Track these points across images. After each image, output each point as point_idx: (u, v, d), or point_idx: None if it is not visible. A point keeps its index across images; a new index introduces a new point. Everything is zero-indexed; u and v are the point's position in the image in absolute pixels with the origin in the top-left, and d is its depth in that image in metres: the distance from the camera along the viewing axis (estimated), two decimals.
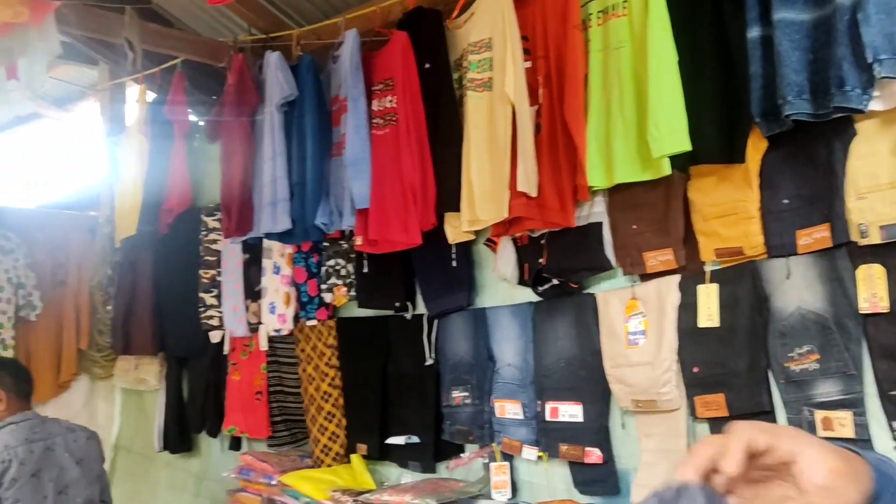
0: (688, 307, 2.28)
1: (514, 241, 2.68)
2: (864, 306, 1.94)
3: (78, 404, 4.35)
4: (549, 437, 2.58)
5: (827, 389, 2.01)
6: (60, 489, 2.66)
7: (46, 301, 4.18)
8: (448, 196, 2.61)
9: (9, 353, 3.93)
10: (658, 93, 2.09)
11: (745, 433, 0.58)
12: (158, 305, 4.02)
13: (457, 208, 2.58)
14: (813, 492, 0.56)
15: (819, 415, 2.01)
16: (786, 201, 2.10)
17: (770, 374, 2.13)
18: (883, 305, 1.91)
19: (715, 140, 2.15)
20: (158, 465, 4.30)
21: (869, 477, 0.59)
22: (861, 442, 1.95)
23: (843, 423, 1.98)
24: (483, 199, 2.49)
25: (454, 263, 2.87)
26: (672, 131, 2.09)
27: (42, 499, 2.60)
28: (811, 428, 2.02)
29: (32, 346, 4.19)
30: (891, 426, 1.93)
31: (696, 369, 2.25)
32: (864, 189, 1.95)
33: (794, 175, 2.08)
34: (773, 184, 2.12)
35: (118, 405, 4.35)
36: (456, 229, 2.71)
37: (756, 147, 2.13)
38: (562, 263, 2.53)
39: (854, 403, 1.97)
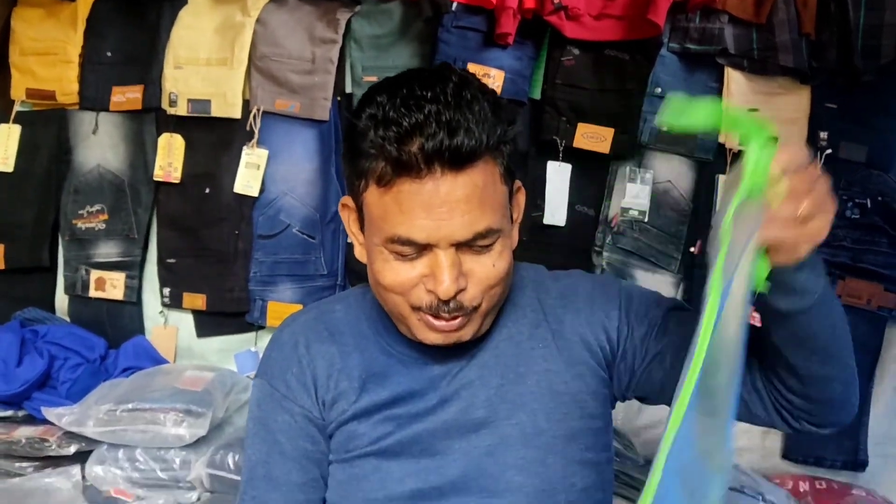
0: None
1: None
2: (159, 174, 1.96)
3: None
4: None
5: (108, 250, 1.99)
6: None
7: None
8: None
9: None
10: None
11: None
12: None
13: None
14: None
15: (94, 274, 1.98)
16: (109, 54, 1.99)
17: (58, 230, 2.02)
18: (176, 176, 1.95)
19: None
20: None
21: None
22: (130, 304, 1.99)
23: (116, 284, 1.97)
24: None
25: None
26: None
27: None
28: (84, 287, 1.98)
29: None
30: (161, 292, 1.99)
31: None
32: (182, 60, 1.95)
33: (123, 29, 1.98)
34: (99, 32, 1.98)
35: None
36: None
37: None
38: None
39: (130, 266, 1.98)
